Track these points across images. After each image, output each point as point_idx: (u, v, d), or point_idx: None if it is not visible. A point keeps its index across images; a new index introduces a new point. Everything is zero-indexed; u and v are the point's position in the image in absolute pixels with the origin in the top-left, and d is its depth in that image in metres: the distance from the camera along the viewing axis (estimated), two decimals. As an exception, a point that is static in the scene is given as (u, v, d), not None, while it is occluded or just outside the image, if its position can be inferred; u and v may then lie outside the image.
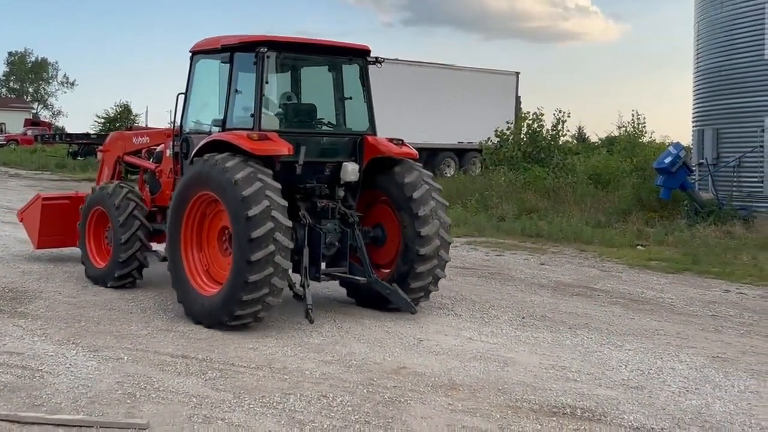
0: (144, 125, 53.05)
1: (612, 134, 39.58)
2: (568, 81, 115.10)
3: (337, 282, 9.62)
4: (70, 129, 67.86)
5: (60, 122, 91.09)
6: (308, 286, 8.62)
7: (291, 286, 8.83)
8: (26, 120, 70.07)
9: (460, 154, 31.59)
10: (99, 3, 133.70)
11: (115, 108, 57.84)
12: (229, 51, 8.98)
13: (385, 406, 6.17)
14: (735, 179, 17.81)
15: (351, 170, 9.12)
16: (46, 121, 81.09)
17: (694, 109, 20.22)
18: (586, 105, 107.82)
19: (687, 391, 6.74)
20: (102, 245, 10.65)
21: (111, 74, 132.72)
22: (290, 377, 6.82)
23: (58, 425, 5.62)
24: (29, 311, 9.00)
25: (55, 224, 11.72)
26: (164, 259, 9.49)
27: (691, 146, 20.27)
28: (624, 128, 35.61)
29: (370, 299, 9.43)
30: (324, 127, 9.59)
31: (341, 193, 9.28)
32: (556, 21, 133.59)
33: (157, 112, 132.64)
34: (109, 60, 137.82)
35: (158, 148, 10.72)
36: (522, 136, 26.46)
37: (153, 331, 8.26)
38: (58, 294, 9.94)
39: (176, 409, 6.01)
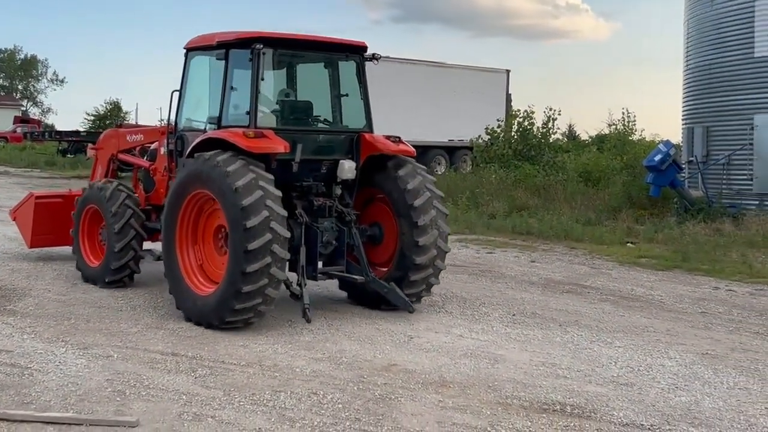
0: (134, 122, 52.91)
1: (602, 132, 39.72)
2: (558, 79, 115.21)
3: (328, 279, 9.54)
4: (60, 126, 67.75)
5: (50, 120, 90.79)
6: (305, 285, 8.56)
7: (288, 285, 8.74)
8: (15, 117, 69.73)
9: (451, 151, 31.61)
10: (89, 0, 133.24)
11: (105, 105, 57.71)
12: (224, 47, 8.88)
13: (375, 403, 6.17)
14: (724, 177, 17.87)
15: (348, 168, 9.06)
16: (36, 118, 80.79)
17: (683, 106, 20.28)
18: (577, 103, 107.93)
19: (676, 387, 6.76)
20: (96, 244, 10.58)
21: (101, 71, 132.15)
22: (281, 374, 6.82)
23: (48, 423, 5.60)
24: (18, 309, 8.96)
25: (48, 223, 11.63)
26: (159, 258, 9.44)
27: (681, 144, 20.34)
28: (614, 126, 35.70)
29: (366, 298, 9.35)
30: (320, 125, 9.52)
31: (338, 191, 9.21)
32: (546, 19, 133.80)
33: (147, 110, 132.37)
34: (99, 57, 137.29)
35: (152, 146, 10.62)
36: (513, 133, 26.56)
37: (143, 329, 8.24)
38: (48, 292, 9.91)
39: (166, 406, 6.00)
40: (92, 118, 57.30)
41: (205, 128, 9.08)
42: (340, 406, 6.10)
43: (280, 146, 8.35)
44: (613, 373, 7.13)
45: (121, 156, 11.31)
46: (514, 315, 9.32)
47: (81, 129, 48.76)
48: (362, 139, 9.22)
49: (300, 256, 8.64)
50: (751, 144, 17.19)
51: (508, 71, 33.93)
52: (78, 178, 30.50)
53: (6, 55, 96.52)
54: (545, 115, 26.70)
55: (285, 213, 8.15)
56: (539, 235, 16.17)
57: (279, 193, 8.17)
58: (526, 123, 26.39)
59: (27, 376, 6.60)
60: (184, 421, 5.71)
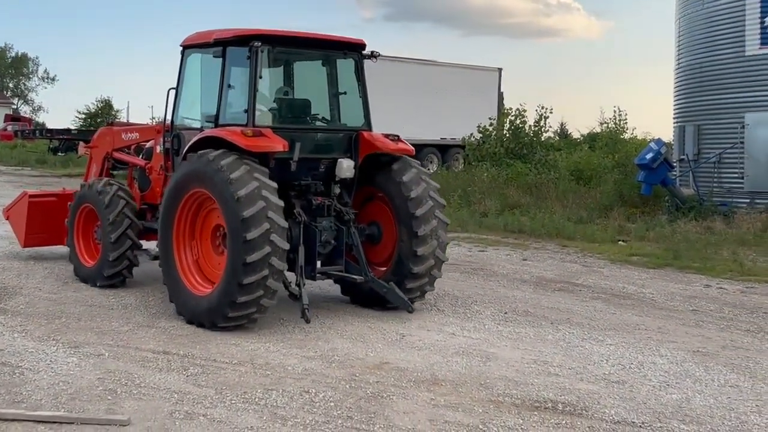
0: (125, 120, 52.80)
1: (594, 130, 39.86)
2: (550, 77, 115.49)
3: (321, 279, 9.41)
4: (51, 124, 67.56)
5: (40, 118, 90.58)
6: (304, 285, 8.48)
7: (286, 285, 8.62)
8: (6, 115, 69.55)
9: (443, 150, 31.63)
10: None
11: (96, 103, 57.63)
12: (221, 45, 8.75)
13: (367, 402, 6.17)
14: (715, 175, 17.93)
15: (346, 167, 8.97)
16: (27, 116, 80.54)
17: (675, 105, 20.34)
18: (569, 101, 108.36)
19: (667, 385, 6.78)
20: (91, 243, 10.48)
21: (92, 70, 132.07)
22: (272, 373, 6.81)
23: (39, 422, 5.58)
24: (9, 307, 8.93)
25: (42, 222, 11.53)
26: (155, 258, 9.34)
27: (672, 142, 20.40)
28: (606, 124, 35.86)
29: (365, 298, 9.28)
30: (318, 123, 9.43)
31: (337, 190, 9.13)
32: (538, 17, 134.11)
33: (138, 108, 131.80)
34: (90, 55, 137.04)
35: (148, 144, 10.51)
36: (504, 132, 26.61)
37: (134, 328, 8.22)
38: (39, 290, 9.88)
39: (157, 405, 5.98)
40: (83, 116, 57.23)
41: (201, 127, 9.00)
42: (332, 404, 6.10)
43: (279, 145, 8.25)
44: (604, 370, 7.15)
45: (116, 154, 11.18)
46: (506, 313, 9.33)
47: (72, 127, 48.63)
48: (361, 138, 9.13)
49: (298, 255, 8.55)
50: (742, 142, 17.26)
51: (500, 69, 33.97)
52: (69, 177, 30.42)
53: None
54: (537, 114, 26.79)
55: (286, 225, 8.06)
56: (531, 234, 16.19)
57: (281, 203, 8.06)
58: (518, 121, 26.46)
59: (18, 374, 6.58)
60: (176, 420, 5.70)
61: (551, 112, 26.92)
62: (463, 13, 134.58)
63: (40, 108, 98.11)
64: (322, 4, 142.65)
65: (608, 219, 17.31)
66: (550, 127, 28.76)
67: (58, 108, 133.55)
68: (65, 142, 41.76)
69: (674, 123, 20.25)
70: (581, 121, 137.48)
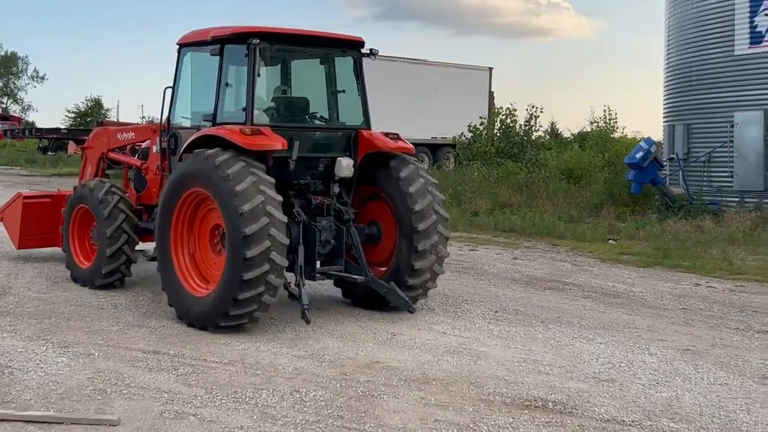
0: (115, 119, 52.64)
1: (584, 130, 40.01)
2: (540, 77, 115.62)
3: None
4: (41, 124, 67.19)
5: (30, 117, 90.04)
6: (303, 285, 8.36)
7: (285, 286, 8.48)
8: (-5, 115, 69.24)
9: (434, 149, 31.66)
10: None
11: (85, 102, 57.46)
12: (219, 43, 8.63)
13: (358, 401, 6.17)
14: (705, 174, 18.00)
15: (345, 166, 8.87)
16: (16, 115, 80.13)
17: (664, 104, 20.42)
18: (559, 100, 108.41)
19: (657, 383, 6.80)
20: (86, 245, 10.35)
21: (82, 68, 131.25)
22: (263, 372, 6.80)
23: (28, 422, 5.56)
24: (-2, 307, 8.90)
25: (36, 223, 11.40)
26: (152, 259, 9.20)
27: (662, 141, 20.47)
28: (596, 124, 35.96)
29: (365, 299, 9.20)
30: (317, 122, 9.31)
31: (336, 189, 9.01)
32: (528, 17, 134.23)
33: (128, 107, 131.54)
34: (80, 54, 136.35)
35: (144, 144, 10.39)
36: (495, 131, 26.64)
37: (124, 327, 8.20)
38: (28, 290, 9.84)
39: (147, 405, 5.97)
40: (73, 115, 57.03)
41: (199, 126, 8.88)
42: (322, 403, 6.09)
43: (277, 143, 8.16)
44: (594, 369, 7.17)
45: (112, 155, 11.04)
46: (496, 312, 9.35)
47: (62, 126, 48.41)
48: (360, 136, 9.05)
49: (298, 255, 8.45)
50: (732, 141, 17.32)
51: (490, 69, 34.03)
52: (59, 176, 30.35)
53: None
54: (527, 113, 26.82)
55: (285, 219, 7.97)
56: (522, 233, 16.21)
57: (280, 198, 8.00)
58: (508, 120, 26.49)
59: (7, 374, 6.56)
60: (166, 420, 5.69)
61: (542, 112, 27.01)
62: (454, 12, 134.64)
63: (29, 107, 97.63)
64: (310, 3, 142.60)
65: (598, 218, 17.35)
66: (541, 126, 28.94)
67: (48, 107, 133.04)
68: (55, 141, 41.58)
69: (664, 122, 20.33)
70: (571, 120, 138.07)
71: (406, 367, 7.03)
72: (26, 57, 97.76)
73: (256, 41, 8.36)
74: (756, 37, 17.04)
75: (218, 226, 8.31)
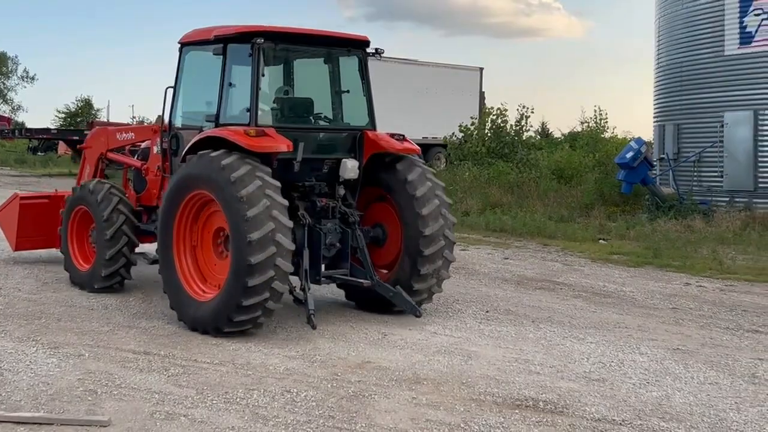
0: (105, 120, 52.46)
1: (575, 130, 40.05)
2: (531, 77, 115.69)
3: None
4: (31, 124, 66.85)
5: (20, 117, 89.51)
6: (309, 289, 8.23)
7: (291, 291, 8.28)
8: (-15, 115, 68.94)
9: (425, 149, 31.56)
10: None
11: (76, 102, 57.23)
12: (222, 42, 8.49)
13: (349, 401, 6.17)
14: (695, 174, 18.07)
15: (351, 167, 8.72)
16: (6, 116, 79.76)
17: (655, 104, 20.47)
18: (550, 101, 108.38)
19: (648, 383, 6.82)
20: (86, 247, 10.20)
21: (72, 68, 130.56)
22: (254, 373, 6.80)
23: (18, 423, 5.54)
24: (-12, 308, 8.86)
25: (34, 225, 11.25)
26: (154, 262, 9.09)
27: (653, 141, 20.54)
28: (586, 124, 36.02)
29: (371, 302, 9.05)
30: (322, 122, 9.13)
31: (341, 191, 8.84)
32: (519, 17, 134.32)
33: (119, 107, 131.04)
34: (70, 54, 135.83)
35: (144, 145, 10.21)
36: (486, 131, 26.68)
37: (114, 328, 8.18)
38: (18, 291, 9.80)
39: (138, 405, 5.96)
40: (63, 115, 56.80)
41: (201, 126, 8.71)
42: (313, 403, 6.09)
43: (282, 145, 8.01)
44: (585, 368, 7.18)
45: (111, 155, 10.85)
46: (487, 312, 9.35)
47: (52, 126, 48.18)
48: (365, 137, 8.89)
49: (303, 259, 8.28)
50: (722, 141, 17.39)
51: (481, 69, 34.04)
52: (49, 176, 30.25)
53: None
54: (518, 113, 26.88)
55: (290, 224, 7.83)
56: (512, 232, 16.25)
57: (286, 202, 7.86)
58: (499, 121, 26.53)
59: (-3, 376, 6.54)
60: (157, 420, 5.68)
61: (532, 112, 27.08)
62: (445, 12, 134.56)
63: (19, 107, 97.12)
64: (302, 3, 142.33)
65: (589, 218, 17.41)
66: (531, 126, 28.94)
67: (38, 107, 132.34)
68: (45, 141, 41.40)
69: (654, 122, 20.39)
70: (562, 120, 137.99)
71: (397, 367, 7.03)
72: (16, 57, 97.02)
73: (260, 41, 8.22)
74: (746, 38, 17.11)
75: (222, 229, 8.15)
